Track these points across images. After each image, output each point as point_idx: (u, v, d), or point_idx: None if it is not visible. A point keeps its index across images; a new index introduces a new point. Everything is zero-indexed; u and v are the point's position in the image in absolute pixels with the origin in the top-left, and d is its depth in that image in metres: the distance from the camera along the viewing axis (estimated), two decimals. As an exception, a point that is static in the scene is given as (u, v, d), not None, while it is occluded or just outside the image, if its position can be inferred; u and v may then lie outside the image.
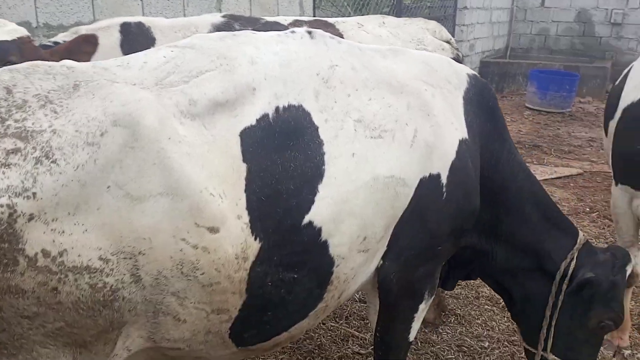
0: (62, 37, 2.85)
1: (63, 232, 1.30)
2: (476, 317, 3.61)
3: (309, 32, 1.86)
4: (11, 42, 2.45)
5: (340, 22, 3.60)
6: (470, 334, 3.43)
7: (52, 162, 1.29)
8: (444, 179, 1.96)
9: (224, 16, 3.25)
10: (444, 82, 2.09)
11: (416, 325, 2.22)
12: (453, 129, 2.02)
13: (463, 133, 2.06)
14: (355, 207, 1.73)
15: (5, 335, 1.33)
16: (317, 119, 1.70)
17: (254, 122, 1.59)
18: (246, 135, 1.56)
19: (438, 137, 1.95)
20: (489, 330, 3.47)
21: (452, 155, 1.98)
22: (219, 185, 1.48)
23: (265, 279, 1.62)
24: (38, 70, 1.41)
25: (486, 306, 3.72)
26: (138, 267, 1.41)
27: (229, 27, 3.11)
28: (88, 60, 2.45)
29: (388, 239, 1.93)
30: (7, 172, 1.25)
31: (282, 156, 1.61)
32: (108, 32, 2.85)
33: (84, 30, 2.86)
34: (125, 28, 2.98)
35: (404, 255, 1.98)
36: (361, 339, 3.33)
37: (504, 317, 3.54)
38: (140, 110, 1.41)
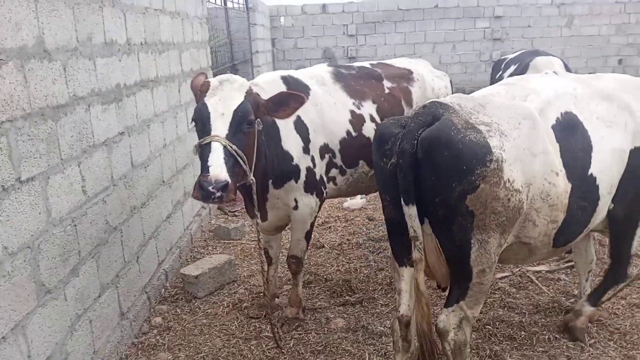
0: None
1: (513, 171, 2.45)
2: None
3: (554, 72, 3.19)
4: (248, 101, 2.91)
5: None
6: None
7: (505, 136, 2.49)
8: None
9: (330, 65, 4.16)
10: (632, 89, 3.14)
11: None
12: None
13: None
14: (608, 166, 2.84)
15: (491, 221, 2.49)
16: (580, 118, 2.83)
17: (554, 122, 2.77)
18: (554, 128, 2.73)
19: (637, 124, 2.98)
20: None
21: None
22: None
23: (573, 204, 2.73)
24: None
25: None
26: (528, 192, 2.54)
27: (339, 72, 4.04)
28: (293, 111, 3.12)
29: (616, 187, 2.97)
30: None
31: (572, 138, 2.73)
32: (276, 85, 3.49)
33: (259, 82, 3.49)
34: (285, 80, 3.62)
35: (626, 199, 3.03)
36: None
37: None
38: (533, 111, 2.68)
